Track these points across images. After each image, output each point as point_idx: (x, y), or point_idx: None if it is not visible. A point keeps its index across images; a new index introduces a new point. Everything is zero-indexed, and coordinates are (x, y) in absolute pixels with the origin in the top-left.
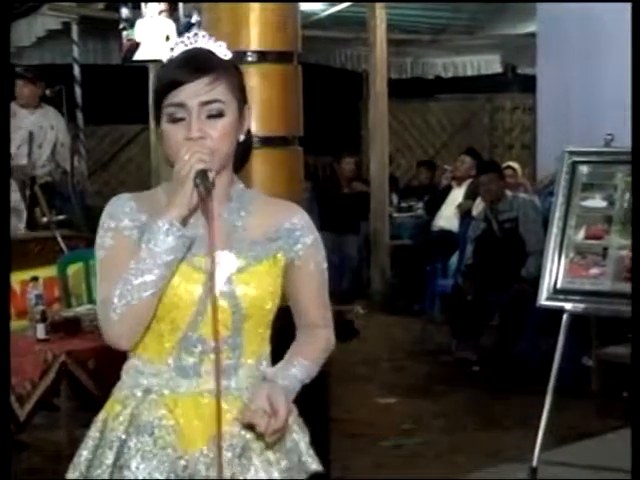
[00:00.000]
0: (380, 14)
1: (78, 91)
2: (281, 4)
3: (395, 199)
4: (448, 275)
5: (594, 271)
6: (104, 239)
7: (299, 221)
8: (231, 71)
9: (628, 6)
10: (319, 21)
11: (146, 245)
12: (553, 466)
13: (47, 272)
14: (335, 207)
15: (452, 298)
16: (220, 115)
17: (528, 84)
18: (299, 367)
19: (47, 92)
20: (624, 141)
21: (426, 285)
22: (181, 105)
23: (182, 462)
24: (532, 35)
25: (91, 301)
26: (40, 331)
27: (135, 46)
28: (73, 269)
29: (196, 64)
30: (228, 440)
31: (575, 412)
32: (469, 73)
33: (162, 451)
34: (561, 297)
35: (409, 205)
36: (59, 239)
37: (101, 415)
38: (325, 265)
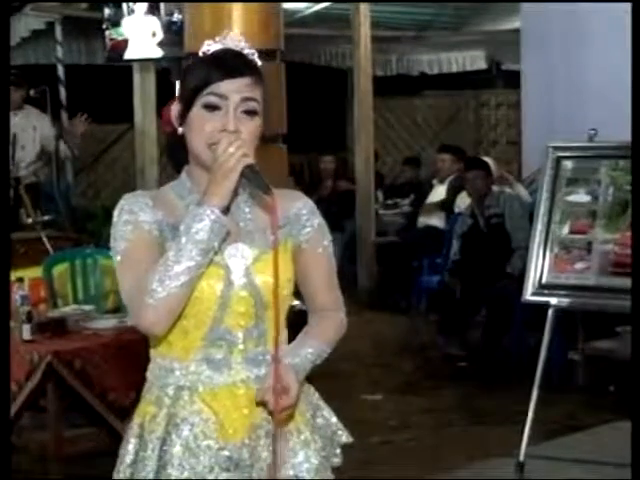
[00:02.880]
0: (364, 11)
1: (62, 91)
2: (264, 2)
3: (381, 196)
4: (435, 271)
5: (579, 266)
6: (124, 232)
7: (304, 206)
8: (262, 78)
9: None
10: (303, 19)
11: (186, 232)
12: (540, 460)
13: (32, 273)
14: (319, 205)
15: (439, 294)
16: (254, 113)
17: (513, 80)
18: (309, 347)
19: (31, 92)
20: (608, 136)
21: (412, 281)
22: (223, 96)
23: (225, 453)
24: (516, 31)
25: (77, 301)
26: (26, 332)
27: (120, 45)
28: (59, 270)
29: (243, 63)
30: (266, 426)
31: (562, 406)
32: (454, 69)
33: (203, 444)
34: (546, 292)
35: (395, 202)
36: (44, 240)
37: (136, 419)
38: (332, 249)
